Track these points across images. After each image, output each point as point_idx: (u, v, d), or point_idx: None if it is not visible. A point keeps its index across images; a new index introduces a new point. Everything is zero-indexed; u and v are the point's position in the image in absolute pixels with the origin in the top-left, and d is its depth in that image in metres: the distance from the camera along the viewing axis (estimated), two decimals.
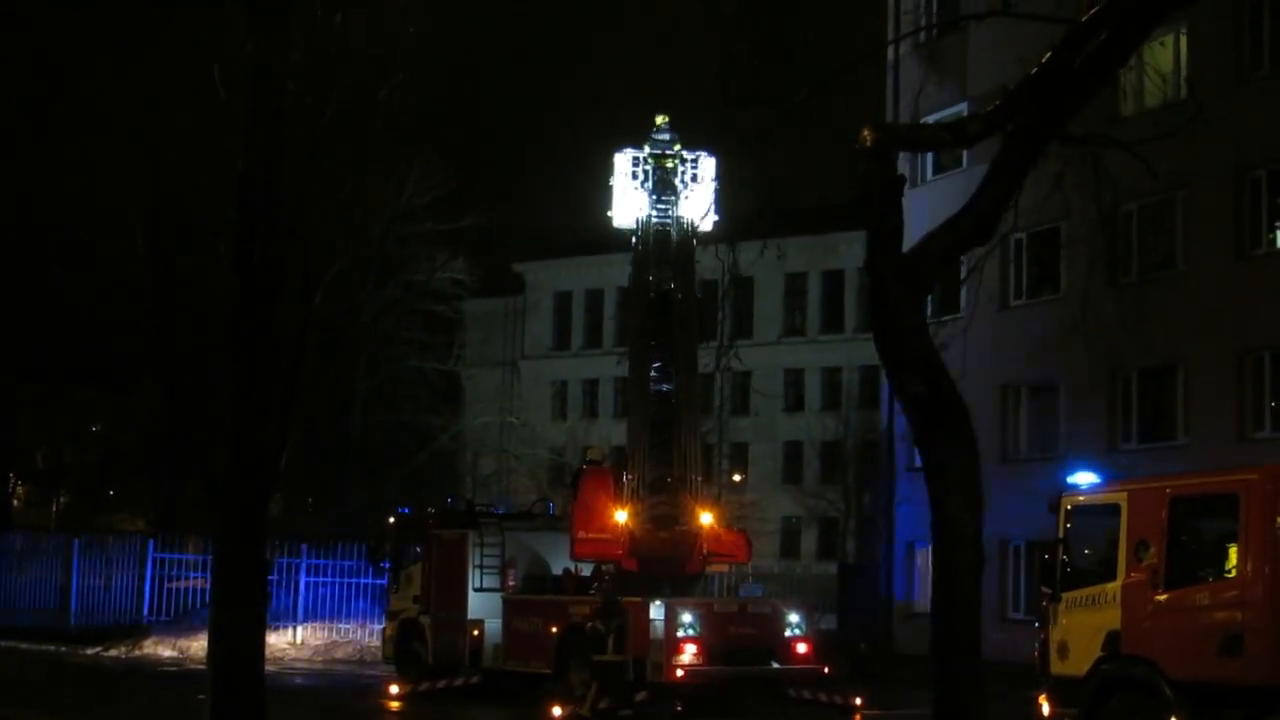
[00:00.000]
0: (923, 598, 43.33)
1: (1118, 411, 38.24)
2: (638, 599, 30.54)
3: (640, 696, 29.48)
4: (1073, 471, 22.21)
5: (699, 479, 34.50)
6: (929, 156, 42.90)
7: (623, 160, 34.48)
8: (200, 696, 18.70)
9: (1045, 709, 20.82)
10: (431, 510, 38.38)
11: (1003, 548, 39.41)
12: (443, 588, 35.11)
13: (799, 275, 76.09)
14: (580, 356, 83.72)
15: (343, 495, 55.99)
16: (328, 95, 18.31)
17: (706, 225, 33.53)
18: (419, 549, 36.28)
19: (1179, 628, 18.88)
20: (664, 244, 34.24)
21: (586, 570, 33.54)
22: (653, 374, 33.82)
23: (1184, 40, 37.13)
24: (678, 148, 34.47)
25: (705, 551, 33.26)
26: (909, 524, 43.32)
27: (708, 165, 34.25)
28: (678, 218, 34.29)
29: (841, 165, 21.18)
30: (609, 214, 35.13)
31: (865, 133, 15.42)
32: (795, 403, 77.86)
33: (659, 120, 34.79)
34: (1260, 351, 35.13)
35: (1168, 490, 19.62)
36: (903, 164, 44.26)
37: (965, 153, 41.77)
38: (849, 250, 75.41)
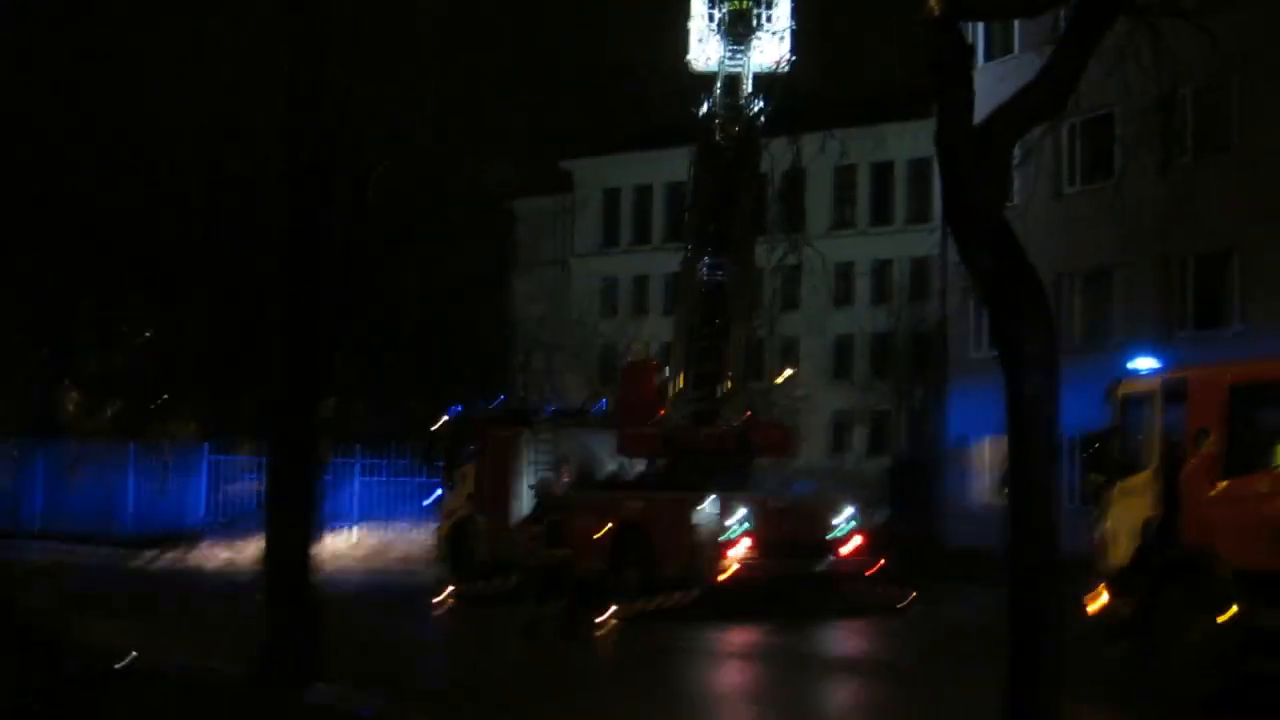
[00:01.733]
0: (976, 492, 43.23)
1: (1173, 299, 37.90)
2: (690, 494, 30.52)
3: (693, 595, 29.40)
4: (1132, 358, 21.93)
5: (745, 373, 34.44)
6: (979, 43, 42.36)
7: (698, 2, 34.79)
8: (259, 596, 18.71)
9: (1103, 598, 20.66)
10: (485, 408, 38.28)
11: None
12: (497, 486, 35.12)
13: (848, 168, 75.11)
14: (629, 253, 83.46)
15: (395, 395, 55.93)
16: None
17: (783, 65, 33.90)
18: (472, 448, 36.29)
19: (1238, 516, 18.65)
20: (735, 91, 34.32)
21: (641, 466, 33.56)
22: (705, 263, 33.72)
23: None
24: None
25: (752, 446, 33.15)
26: (962, 418, 43.17)
27: (783, 6, 34.61)
28: (751, 68, 34.28)
29: (888, 53, 20.88)
30: (686, 58, 35.47)
31: (932, 2, 14.95)
32: (845, 296, 77.38)
33: None
34: None
35: (1229, 376, 19.35)
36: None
37: (1017, 37, 41.39)
38: (898, 142, 74.83)
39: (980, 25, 40.53)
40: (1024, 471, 14.23)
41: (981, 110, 15.01)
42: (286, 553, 17.25)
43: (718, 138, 34.04)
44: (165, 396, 70.28)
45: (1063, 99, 14.76)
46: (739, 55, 34.40)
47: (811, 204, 76.14)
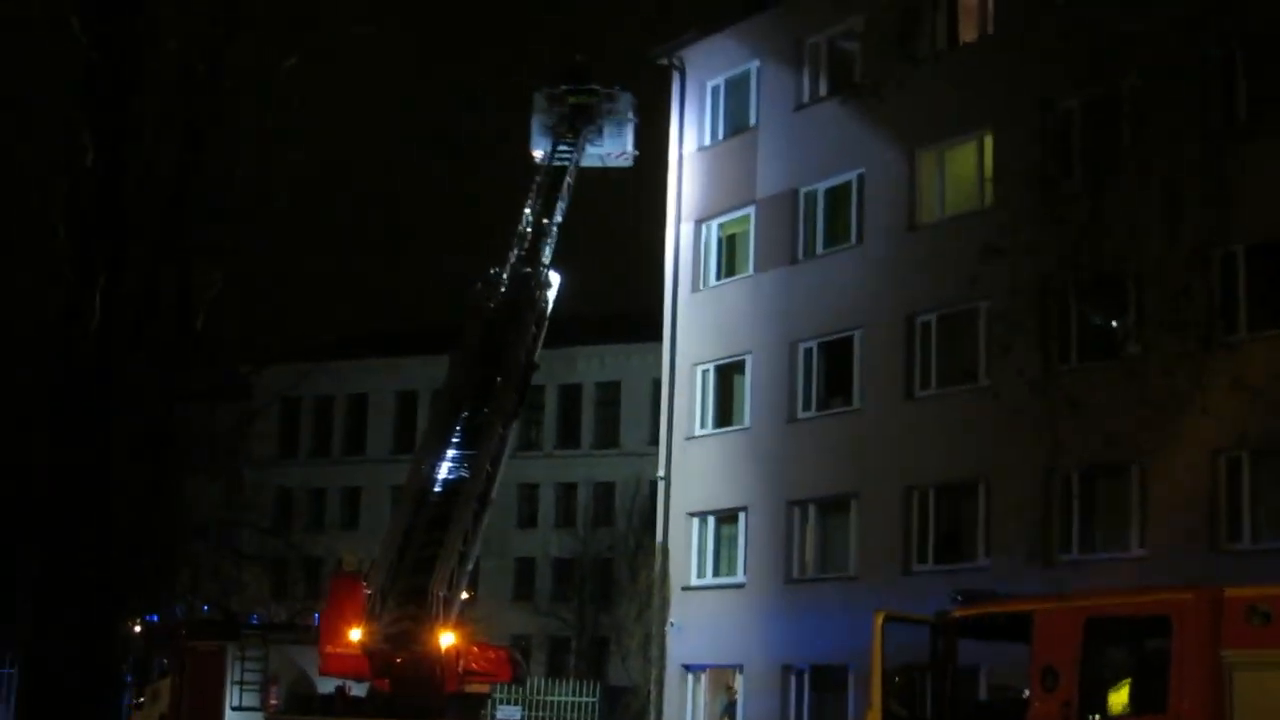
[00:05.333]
0: None
1: (913, 530, 36.62)
2: None
3: None
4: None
5: (458, 591, 32.33)
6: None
7: (540, 98, 35.20)
8: None
9: None
10: (184, 617, 35.40)
11: (786, 672, 37.85)
12: (195, 707, 32.17)
13: (535, 388, 73.95)
14: (307, 465, 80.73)
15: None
16: None
17: (626, 161, 34.71)
18: (167, 661, 33.23)
19: None
20: (557, 181, 35.24)
21: (361, 689, 30.96)
22: (447, 459, 31.78)
23: None
24: (594, 85, 35.39)
25: (461, 670, 30.99)
26: (681, 646, 41.28)
27: (625, 102, 35.39)
28: (582, 162, 35.93)
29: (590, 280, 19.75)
30: (530, 149, 36.81)
31: None
32: (529, 518, 75.90)
33: (578, 59, 36.09)
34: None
35: (1084, 610, 17.72)
36: (686, 275, 42.56)
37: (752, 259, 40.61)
38: (587, 364, 74.28)
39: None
40: None
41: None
42: None
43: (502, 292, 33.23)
44: None
45: None
46: (571, 150, 35.71)
47: None
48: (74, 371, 19.31)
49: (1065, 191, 33.91)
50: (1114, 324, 33.42)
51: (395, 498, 37.00)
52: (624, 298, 73.02)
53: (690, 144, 42.48)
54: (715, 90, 42.86)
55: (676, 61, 43.05)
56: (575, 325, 59.44)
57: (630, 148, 36.22)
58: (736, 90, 42.46)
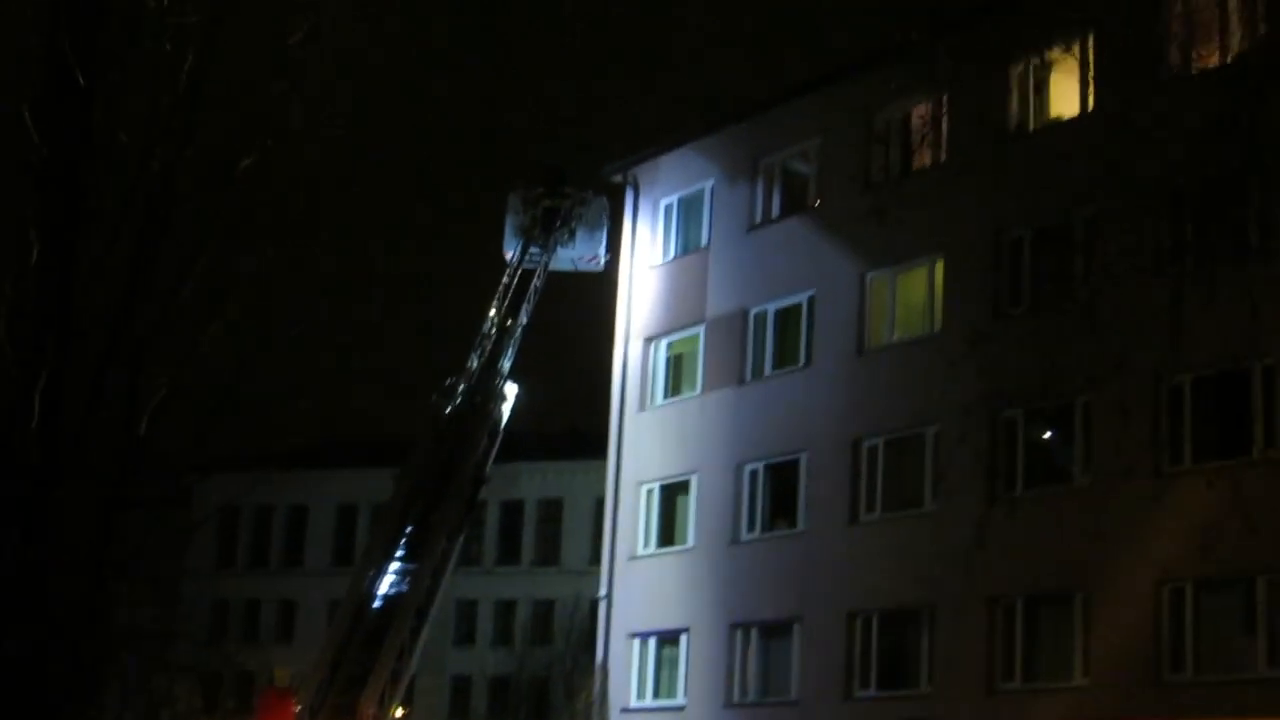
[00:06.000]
0: None
1: (855, 657, 36.31)
2: None
3: None
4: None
5: (391, 710, 31.84)
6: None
7: (514, 200, 35.79)
8: None
9: None
10: None
11: None
12: None
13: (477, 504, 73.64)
14: (244, 576, 79.88)
15: None
16: None
17: (597, 266, 35.15)
18: None
19: None
20: (525, 283, 35.80)
21: None
22: (391, 571, 31.34)
23: None
24: (568, 189, 35.72)
25: None
26: None
27: (598, 206, 35.94)
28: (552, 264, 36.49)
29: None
30: (502, 250, 37.31)
31: None
32: (466, 635, 75.22)
33: (552, 163, 36.81)
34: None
35: None
36: (633, 392, 42.46)
37: (700, 379, 40.38)
38: (529, 481, 73.90)
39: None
40: None
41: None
42: None
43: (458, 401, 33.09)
44: None
45: None
46: (542, 252, 36.23)
47: None
48: (11, 474, 18.97)
49: (1015, 318, 33.99)
50: (1060, 452, 33.40)
51: (333, 611, 36.52)
52: (569, 414, 72.90)
53: (642, 261, 42.47)
54: (669, 208, 42.92)
55: (630, 179, 43.16)
56: (518, 441, 59.23)
57: (602, 252, 36.53)
58: (690, 209, 42.55)
